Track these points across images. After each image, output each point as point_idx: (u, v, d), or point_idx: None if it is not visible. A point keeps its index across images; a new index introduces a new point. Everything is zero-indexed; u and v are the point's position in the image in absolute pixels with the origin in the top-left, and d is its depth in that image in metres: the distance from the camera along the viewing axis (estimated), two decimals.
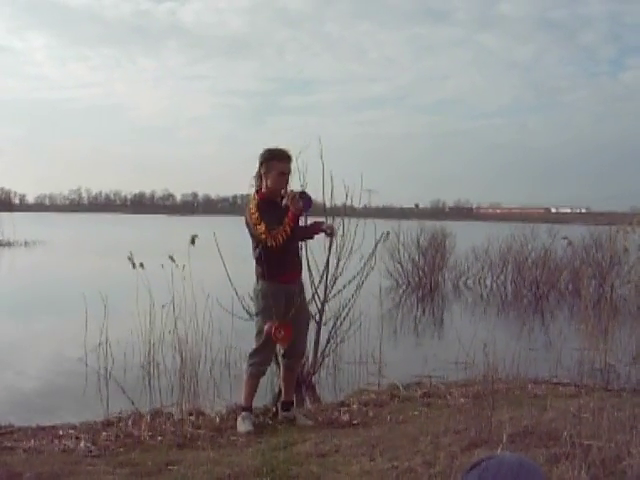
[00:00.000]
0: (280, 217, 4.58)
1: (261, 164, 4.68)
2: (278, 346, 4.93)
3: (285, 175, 4.67)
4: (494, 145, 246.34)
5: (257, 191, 4.71)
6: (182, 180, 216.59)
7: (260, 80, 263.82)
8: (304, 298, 5.01)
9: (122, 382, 6.27)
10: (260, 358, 4.74)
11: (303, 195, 4.66)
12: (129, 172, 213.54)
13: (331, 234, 5.09)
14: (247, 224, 4.71)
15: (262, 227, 4.53)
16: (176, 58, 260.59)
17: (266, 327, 4.60)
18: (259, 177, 4.71)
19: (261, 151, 4.72)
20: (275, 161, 4.64)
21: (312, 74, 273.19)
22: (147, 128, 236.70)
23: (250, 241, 4.76)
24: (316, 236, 5.08)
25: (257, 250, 4.69)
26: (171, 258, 5.77)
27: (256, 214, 4.57)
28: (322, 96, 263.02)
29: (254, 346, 4.76)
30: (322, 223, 5.04)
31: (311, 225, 5.02)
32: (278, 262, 4.64)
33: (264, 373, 4.85)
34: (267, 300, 4.66)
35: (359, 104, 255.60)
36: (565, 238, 12.36)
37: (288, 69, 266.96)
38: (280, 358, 4.99)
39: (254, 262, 4.77)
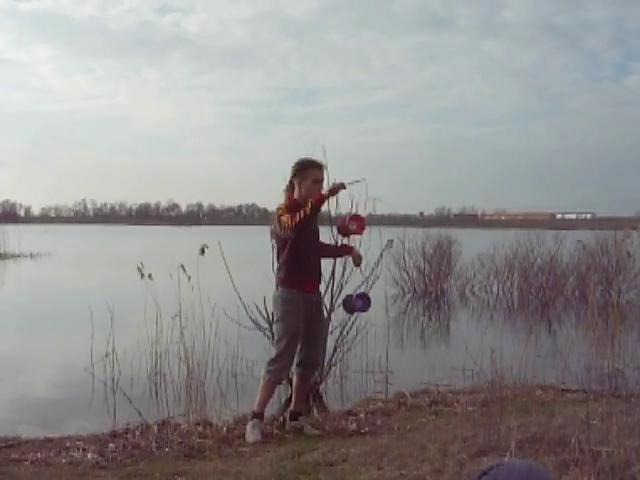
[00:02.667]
0: (311, 225, 4.67)
1: (295, 174, 4.75)
2: (295, 356, 4.92)
3: (319, 183, 4.72)
4: (498, 152, 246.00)
5: (288, 197, 4.77)
6: (187, 190, 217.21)
7: (264, 90, 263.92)
8: (322, 309, 5.03)
9: (129, 393, 6.27)
10: (280, 365, 4.74)
11: (361, 296, 4.79)
12: (134, 183, 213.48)
13: (358, 264, 5.10)
14: (273, 232, 4.77)
15: (286, 217, 4.59)
16: (180, 69, 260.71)
17: (338, 220, 4.71)
18: (291, 187, 4.77)
19: (296, 161, 4.80)
20: (310, 169, 4.73)
21: (316, 83, 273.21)
22: (151, 139, 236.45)
23: (271, 252, 4.84)
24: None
25: (282, 254, 4.73)
26: (182, 267, 5.78)
27: (283, 209, 4.63)
28: (326, 105, 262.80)
29: (274, 353, 4.77)
30: (353, 248, 5.05)
31: (342, 246, 5.07)
32: (300, 269, 4.70)
33: (281, 381, 4.88)
34: (287, 306, 4.70)
35: (363, 112, 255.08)
36: (580, 241, 12.34)
37: (292, 78, 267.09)
38: (294, 367, 4.98)
39: (277, 268, 4.82)
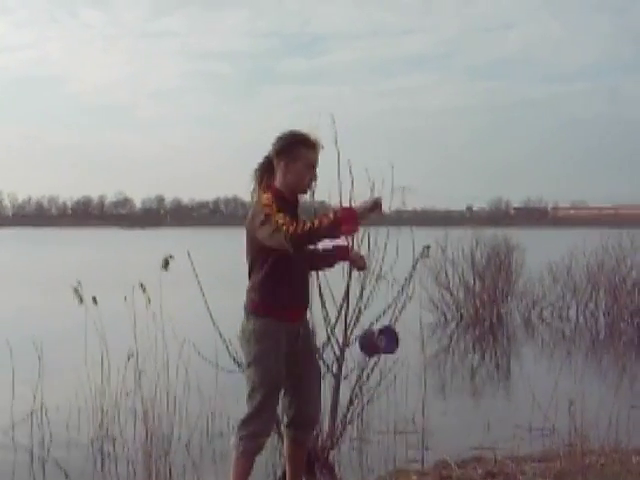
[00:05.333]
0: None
1: (279, 152, 4.67)
2: (280, 411, 4.93)
3: (314, 168, 4.70)
4: (575, 120, 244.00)
5: (268, 186, 4.71)
6: (143, 179, 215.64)
7: (251, 37, 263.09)
8: (312, 343, 5.01)
9: (65, 464, 6.29)
10: (255, 428, 4.72)
11: (386, 332, 4.77)
12: (69, 169, 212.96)
13: (361, 268, 5.09)
14: (249, 230, 4.67)
15: (282, 216, 4.38)
16: (133, 9, 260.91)
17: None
18: (267, 170, 4.72)
19: (280, 134, 4.71)
20: (303, 147, 4.65)
21: (322, 26, 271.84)
22: (94, 108, 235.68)
23: (245, 264, 4.77)
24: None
25: (259, 269, 4.66)
26: (141, 287, 5.82)
27: (273, 205, 4.47)
28: (336, 57, 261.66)
29: (246, 411, 4.76)
30: (348, 249, 5.02)
31: (335, 249, 4.99)
32: (284, 290, 4.64)
33: (261, 449, 4.84)
34: (263, 343, 4.66)
35: (388, 67, 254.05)
36: None
37: (289, 20, 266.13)
38: (283, 428, 4.98)
39: (247, 290, 4.77)
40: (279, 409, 4.94)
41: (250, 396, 4.71)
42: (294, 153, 4.65)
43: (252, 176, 4.80)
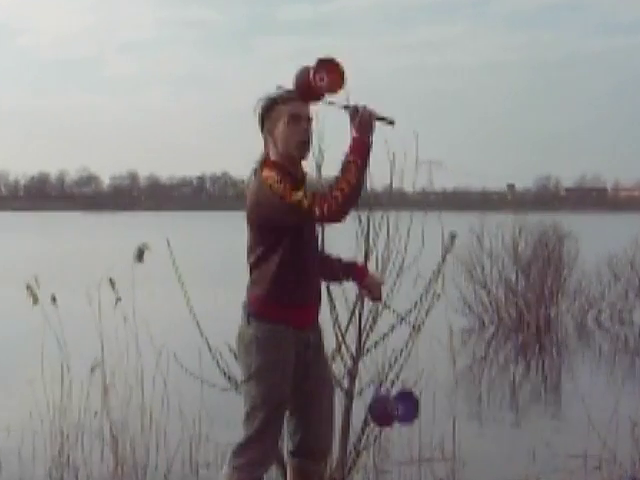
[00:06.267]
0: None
1: (261, 122, 4.72)
2: (286, 438, 4.93)
3: (301, 119, 4.67)
4: (639, 78, 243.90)
5: (266, 162, 4.73)
6: (112, 152, 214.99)
7: None
8: (324, 354, 5.00)
9: None
10: (254, 455, 4.72)
11: (403, 398, 4.77)
12: (22, 140, 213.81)
13: (376, 299, 5.08)
14: (251, 210, 4.67)
15: (298, 193, 4.47)
16: None
17: (298, 72, 4.54)
18: (264, 144, 4.75)
19: (257, 101, 4.74)
20: (279, 103, 4.66)
21: None
22: (51, 64, 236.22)
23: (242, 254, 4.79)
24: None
25: (265, 260, 4.68)
26: (111, 283, 5.84)
27: (278, 177, 4.53)
28: (348, 2, 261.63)
29: (243, 436, 4.76)
30: (367, 271, 5.05)
31: (351, 266, 5.01)
32: (295, 287, 4.65)
33: None
34: (268, 354, 4.67)
35: (410, 15, 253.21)
36: None
37: None
38: (287, 456, 4.99)
39: (249, 285, 4.78)
40: (284, 436, 4.96)
41: (249, 417, 4.72)
42: (272, 115, 4.67)
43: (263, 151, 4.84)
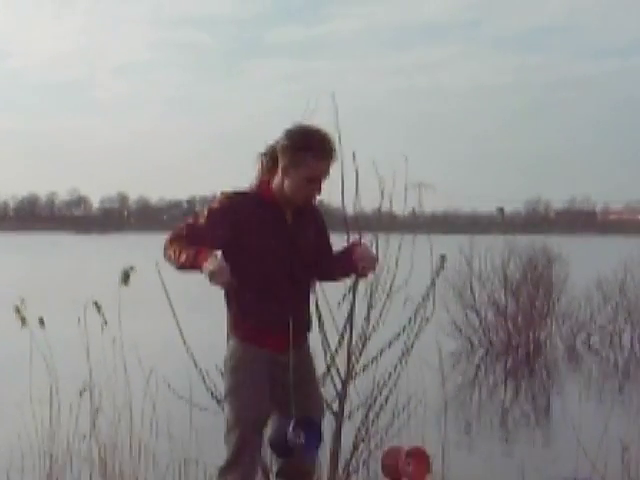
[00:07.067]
0: (279, 237, 4.67)
1: (283, 150, 4.71)
2: (270, 458, 4.93)
3: (317, 183, 4.70)
4: (631, 104, 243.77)
5: (260, 184, 4.78)
6: (102, 174, 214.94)
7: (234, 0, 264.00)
8: (311, 376, 4.98)
9: None
10: (236, 476, 4.73)
11: (304, 425, 4.66)
12: (13, 163, 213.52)
13: (367, 269, 5.03)
14: None
15: (185, 228, 4.66)
16: None
17: (384, 454, 4.80)
18: (267, 167, 4.76)
19: (289, 129, 4.74)
20: (310, 154, 4.64)
21: None
22: (42, 86, 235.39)
23: None
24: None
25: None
26: (96, 306, 5.82)
27: (207, 212, 4.66)
28: (339, 24, 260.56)
29: (225, 457, 4.76)
30: (358, 246, 5.02)
31: (346, 251, 4.97)
32: (258, 314, 4.68)
33: None
34: (241, 372, 4.68)
35: (401, 38, 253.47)
36: None
37: None
38: (273, 478, 4.98)
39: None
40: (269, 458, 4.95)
41: (226, 438, 4.73)
42: (297, 158, 4.66)
43: (257, 159, 4.83)
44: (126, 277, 5.72)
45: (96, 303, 5.85)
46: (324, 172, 4.71)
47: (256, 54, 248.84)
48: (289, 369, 4.70)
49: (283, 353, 4.70)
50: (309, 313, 4.97)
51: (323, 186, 4.77)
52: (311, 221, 4.87)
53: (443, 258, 6.85)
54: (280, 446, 4.70)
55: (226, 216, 4.62)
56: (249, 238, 4.63)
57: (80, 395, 6.23)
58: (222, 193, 4.73)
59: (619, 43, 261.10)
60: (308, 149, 4.63)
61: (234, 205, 4.65)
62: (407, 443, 5.26)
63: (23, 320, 6.13)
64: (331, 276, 5.12)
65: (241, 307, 4.69)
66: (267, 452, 5.06)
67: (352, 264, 4.89)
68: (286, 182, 4.68)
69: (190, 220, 4.68)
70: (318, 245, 4.89)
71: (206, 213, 4.64)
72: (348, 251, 4.95)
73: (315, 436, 4.69)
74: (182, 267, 4.55)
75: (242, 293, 4.67)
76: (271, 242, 4.67)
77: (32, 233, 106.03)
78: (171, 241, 4.60)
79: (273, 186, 4.71)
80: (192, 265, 4.47)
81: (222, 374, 4.92)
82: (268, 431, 4.70)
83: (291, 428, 4.62)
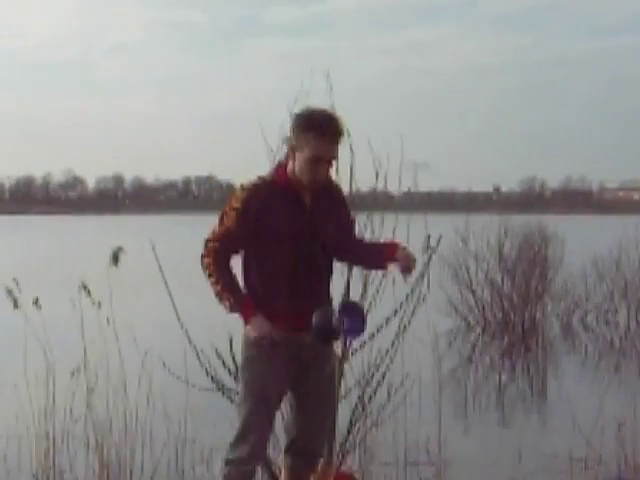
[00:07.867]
0: (296, 221, 4.66)
1: (291, 132, 4.71)
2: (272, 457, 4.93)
3: (323, 164, 4.67)
4: (626, 82, 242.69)
5: (276, 169, 4.79)
6: (97, 155, 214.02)
7: None
8: (327, 354, 4.95)
9: None
10: (244, 451, 4.72)
11: (348, 310, 4.74)
12: (6, 142, 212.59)
13: (407, 270, 4.99)
14: None
15: (220, 229, 4.67)
16: None
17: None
18: (290, 150, 4.75)
19: (297, 111, 4.78)
20: (311, 135, 4.61)
21: None
22: (37, 67, 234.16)
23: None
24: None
25: (244, 261, 4.75)
26: (85, 288, 5.80)
27: (234, 206, 4.65)
28: (334, 4, 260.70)
29: (235, 431, 4.77)
30: (398, 246, 4.98)
31: (385, 247, 4.98)
32: (274, 293, 4.67)
33: (252, 478, 4.87)
34: (251, 349, 4.70)
35: (395, 17, 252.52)
36: None
37: None
38: (282, 455, 4.99)
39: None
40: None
41: (238, 412, 4.76)
42: (301, 140, 4.64)
43: (284, 140, 4.86)
44: (115, 258, 5.70)
45: (85, 286, 5.82)
46: (328, 152, 4.66)
47: (252, 33, 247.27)
48: (305, 347, 4.70)
49: (300, 335, 4.69)
50: (328, 296, 4.93)
51: (332, 167, 4.78)
52: (333, 204, 4.85)
53: (429, 239, 6.85)
54: (325, 330, 4.69)
55: (249, 213, 4.62)
56: (266, 225, 4.63)
57: (72, 375, 6.21)
58: (241, 187, 4.72)
59: (614, 21, 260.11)
60: (310, 129, 4.61)
61: (252, 198, 4.64)
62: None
63: (15, 302, 6.11)
64: (357, 262, 5.21)
65: (259, 290, 4.69)
66: (270, 449, 5.06)
67: (388, 259, 4.90)
68: (295, 165, 4.68)
69: (219, 229, 4.69)
70: (340, 227, 4.88)
71: (233, 215, 4.65)
72: (386, 247, 4.96)
73: (359, 320, 4.72)
74: (221, 301, 4.69)
75: (261, 277, 4.69)
76: (288, 227, 4.66)
77: (26, 215, 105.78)
78: (207, 255, 4.70)
79: (289, 170, 4.72)
80: (234, 311, 4.67)
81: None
82: (311, 326, 4.67)
83: (337, 311, 4.67)
